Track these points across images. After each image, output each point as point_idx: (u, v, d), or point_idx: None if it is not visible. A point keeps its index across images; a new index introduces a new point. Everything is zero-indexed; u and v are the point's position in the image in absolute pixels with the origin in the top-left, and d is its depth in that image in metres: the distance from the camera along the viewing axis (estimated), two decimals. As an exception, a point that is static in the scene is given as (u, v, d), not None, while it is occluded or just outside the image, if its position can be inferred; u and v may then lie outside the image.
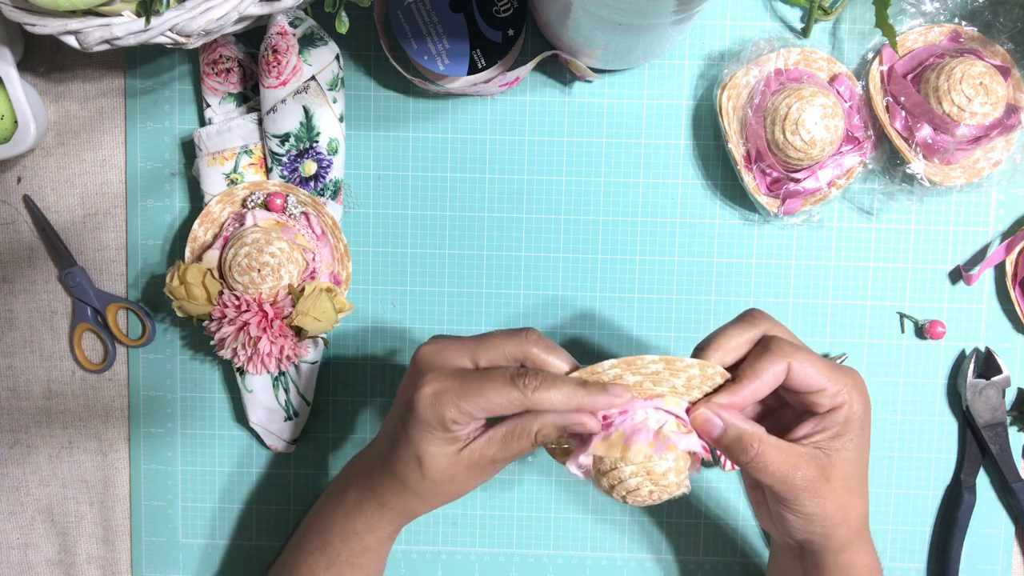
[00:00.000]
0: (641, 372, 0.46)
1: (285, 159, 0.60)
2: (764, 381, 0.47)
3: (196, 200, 0.63)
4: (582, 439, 0.48)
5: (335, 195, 0.61)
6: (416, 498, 0.50)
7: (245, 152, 0.61)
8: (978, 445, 0.63)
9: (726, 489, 0.64)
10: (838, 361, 0.62)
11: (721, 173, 0.63)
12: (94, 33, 0.50)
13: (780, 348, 0.47)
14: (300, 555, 0.56)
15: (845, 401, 0.48)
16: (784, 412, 0.51)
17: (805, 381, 0.47)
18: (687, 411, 0.48)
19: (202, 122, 0.62)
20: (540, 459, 0.64)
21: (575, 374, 0.47)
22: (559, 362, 0.48)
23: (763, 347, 0.48)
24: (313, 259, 0.60)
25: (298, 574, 0.55)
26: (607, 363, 0.46)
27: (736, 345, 0.48)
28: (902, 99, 0.59)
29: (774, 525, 0.52)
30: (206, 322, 0.59)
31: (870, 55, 0.61)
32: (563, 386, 0.46)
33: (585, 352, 0.64)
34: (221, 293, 0.58)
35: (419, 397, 0.47)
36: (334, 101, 0.60)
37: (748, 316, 0.49)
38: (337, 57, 0.59)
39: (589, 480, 0.49)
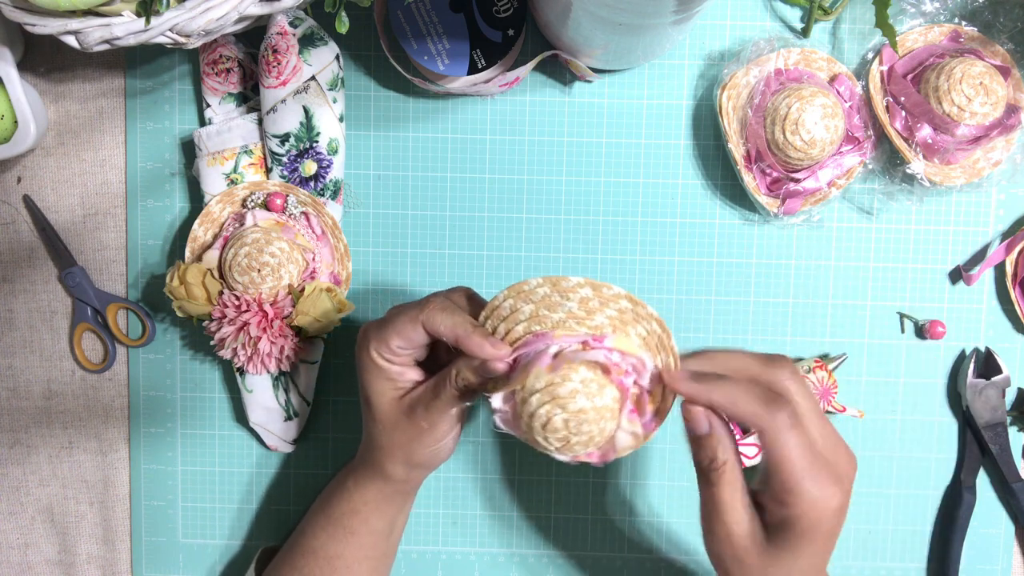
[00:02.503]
0: (531, 300, 0.46)
1: (285, 159, 0.60)
2: (736, 413, 0.43)
3: (196, 200, 0.63)
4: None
5: (335, 195, 0.61)
6: (378, 450, 0.53)
7: (245, 152, 0.61)
8: (978, 445, 0.63)
9: (726, 489, 0.64)
10: (838, 362, 0.62)
11: (721, 173, 0.63)
12: (94, 33, 0.50)
13: (777, 408, 0.42)
14: (308, 514, 0.59)
15: (790, 504, 0.42)
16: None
17: (771, 449, 0.42)
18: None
19: (202, 122, 0.62)
20: (540, 459, 0.65)
21: (479, 318, 0.48)
22: (461, 299, 0.51)
23: (766, 395, 0.43)
24: (313, 259, 0.60)
25: (302, 532, 0.58)
26: (500, 294, 0.47)
27: (735, 368, 0.45)
28: (902, 99, 0.59)
29: None
30: (206, 322, 0.59)
31: (870, 55, 0.61)
32: (456, 316, 0.48)
33: (585, 352, 0.64)
34: (221, 293, 0.58)
35: (358, 342, 0.52)
36: (334, 101, 0.60)
37: (773, 358, 0.45)
38: (337, 57, 0.59)
39: (513, 433, 0.48)
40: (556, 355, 0.45)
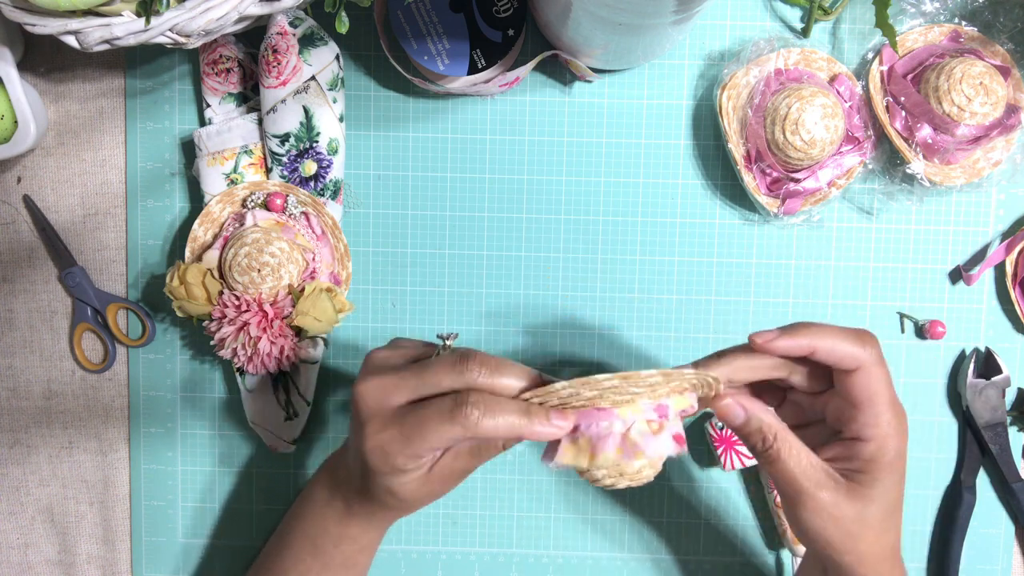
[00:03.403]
0: (597, 388, 0.43)
1: (285, 159, 0.60)
2: (834, 352, 0.45)
3: (196, 200, 0.63)
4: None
5: (335, 195, 0.61)
6: (401, 511, 0.50)
7: (245, 152, 0.61)
8: (978, 445, 0.63)
9: (726, 489, 0.64)
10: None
11: (721, 173, 0.63)
12: (94, 33, 0.50)
13: (871, 346, 0.45)
14: (289, 562, 0.55)
15: (874, 438, 0.45)
16: (817, 428, 0.49)
17: (858, 389, 0.45)
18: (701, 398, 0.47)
19: (202, 122, 0.62)
20: (539, 459, 0.64)
21: (527, 395, 0.45)
22: (510, 381, 0.45)
23: (860, 335, 0.46)
24: (313, 259, 0.60)
25: (272, 567, 0.55)
26: (560, 384, 0.43)
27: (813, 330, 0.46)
28: (902, 99, 0.59)
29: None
30: (206, 322, 0.59)
31: (870, 55, 0.61)
32: (506, 415, 0.44)
33: (585, 353, 0.64)
34: (221, 293, 0.58)
35: (367, 452, 0.46)
36: (334, 101, 0.60)
37: (860, 333, 0.46)
38: (337, 57, 0.59)
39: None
40: (624, 436, 0.44)
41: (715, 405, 0.47)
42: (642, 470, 0.45)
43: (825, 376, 0.47)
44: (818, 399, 0.48)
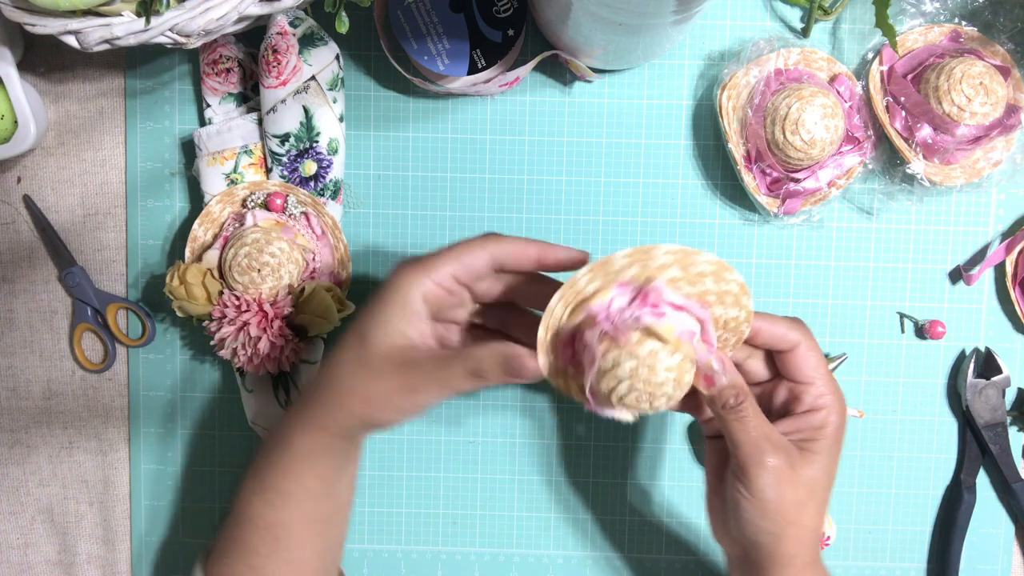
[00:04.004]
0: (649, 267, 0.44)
1: (285, 159, 0.60)
2: (774, 333, 0.49)
3: (196, 200, 0.63)
4: (582, 367, 0.46)
5: (335, 195, 0.61)
6: (338, 394, 0.48)
7: (245, 152, 0.61)
8: (978, 445, 0.63)
9: (726, 489, 0.65)
10: (838, 362, 0.62)
11: (721, 173, 0.63)
12: (94, 33, 0.50)
13: (803, 328, 0.50)
14: (241, 481, 0.54)
15: (825, 406, 0.49)
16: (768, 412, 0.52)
17: (803, 366, 0.49)
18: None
19: (202, 122, 0.62)
20: (540, 459, 0.65)
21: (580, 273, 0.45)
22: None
23: (791, 320, 0.50)
24: (313, 259, 0.60)
25: (236, 501, 0.53)
26: (619, 254, 0.44)
27: (769, 327, 0.49)
28: (902, 99, 0.59)
29: (727, 530, 0.51)
30: (206, 322, 0.59)
31: (870, 55, 0.61)
32: (519, 240, 0.48)
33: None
34: (221, 293, 0.58)
35: (393, 273, 0.48)
36: (334, 101, 0.60)
37: (793, 319, 0.51)
38: (337, 57, 0.59)
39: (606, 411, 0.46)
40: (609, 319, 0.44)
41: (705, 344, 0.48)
42: (665, 383, 0.44)
43: (771, 365, 0.51)
44: (766, 388, 0.52)
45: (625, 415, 0.46)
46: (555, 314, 0.45)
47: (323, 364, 0.50)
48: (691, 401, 0.51)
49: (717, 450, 0.52)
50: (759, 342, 0.49)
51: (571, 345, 0.46)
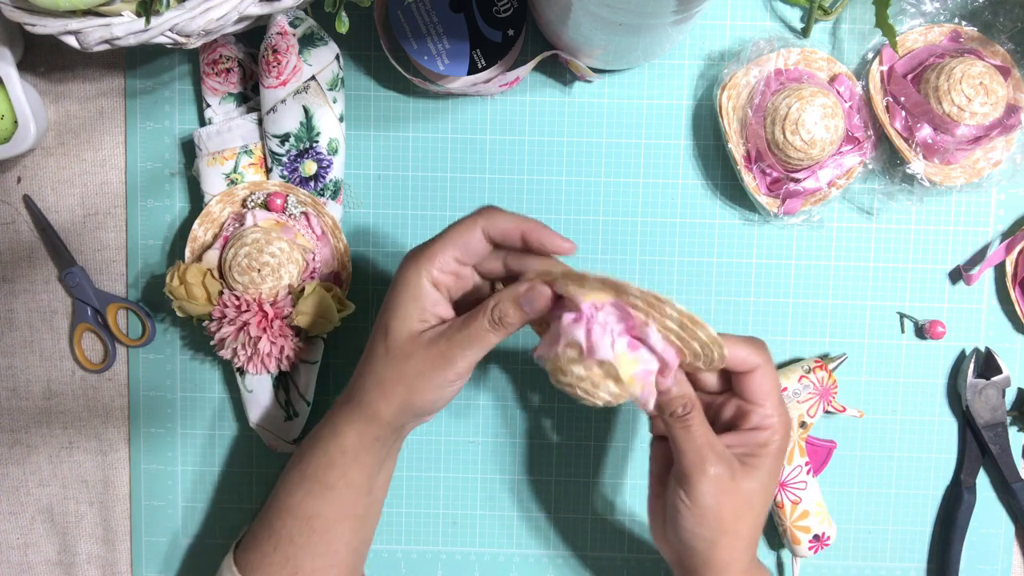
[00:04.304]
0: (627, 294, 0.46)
1: (285, 159, 0.60)
2: (735, 356, 0.49)
3: (196, 200, 0.63)
4: (548, 327, 0.49)
5: (335, 195, 0.61)
6: (375, 386, 0.50)
7: (245, 152, 0.61)
8: (978, 445, 0.63)
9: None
10: (838, 362, 0.62)
11: (721, 173, 0.63)
12: (94, 33, 0.50)
13: (764, 351, 0.50)
14: (284, 471, 0.55)
15: (771, 427, 0.50)
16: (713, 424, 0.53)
17: (757, 389, 0.50)
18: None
19: (202, 122, 0.62)
20: (540, 459, 0.65)
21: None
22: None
23: (753, 342, 0.51)
24: (313, 259, 0.60)
25: (277, 490, 0.54)
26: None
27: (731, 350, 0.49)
28: (902, 99, 0.59)
29: (665, 534, 0.52)
30: (206, 322, 0.59)
31: (870, 55, 0.61)
32: (514, 215, 0.49)
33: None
34: (221, 293, 0.58)
35: (402, 263, 0.50)
36: (334, 101, 0.60)
37: (755, 341, 0.51)
38: (337, 57, 0.59)
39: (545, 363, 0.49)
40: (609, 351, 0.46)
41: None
42: (599, 400, 0.46)
43: (725, 379, 0.52)
44: (715, 400, 0.53)
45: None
46: (554, 271, 0.48)
47: (358, 364, 0.53)
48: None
49: (661, 454, 0.53)
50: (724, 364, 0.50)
51: (554, 301, 0.48)
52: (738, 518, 0.49)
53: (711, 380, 0.53)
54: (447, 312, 0.51)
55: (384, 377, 0.50)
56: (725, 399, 0.52)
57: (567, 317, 0.46)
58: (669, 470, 0.52)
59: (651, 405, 0.47)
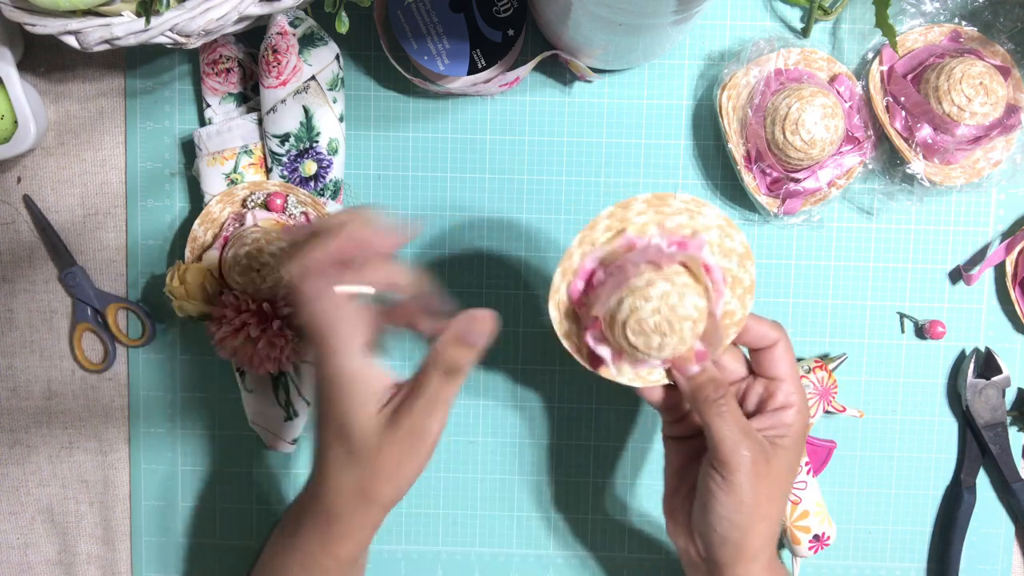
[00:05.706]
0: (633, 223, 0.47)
1: (285, 159, 0.60)
2: (759, 331, 0.50)
3: (196, 200, 0.63)
4: (583, 321, 0.48)
5: (335, 195, 0.61)
6: (358, 497, 0.45)
7: (245, 152, 0.61)
8: (978, 445, 0.63)
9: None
10: (838, 362, 0.62)
11: (721, 173, 0.63)
12: (94, 33, 0.50)
13: (781, 329, 0.51)
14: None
15: (794, 404, 0.50)
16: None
17: (779, 363, 0.51)
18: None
19: (202, 122, 0.62)
20: (540, 459, 0.65)
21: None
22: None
23: (772, 321, 0.51)
24: (313, 259, 0.60)
25: None
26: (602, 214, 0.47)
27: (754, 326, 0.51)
28: (902, 99, 0.59)
29: (689, 529, 0.51)
30: (206, 322, 0.59)
31: (870, 55, 0.61)
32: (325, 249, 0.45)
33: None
34: (221, 293, 0.58)
35: (317, 349, 0.45)
36: (334, 101, 0.60)
37: (773, 321, 0.52)
38: (337, 57, 0.59)
39: (607, 357, 0.48)
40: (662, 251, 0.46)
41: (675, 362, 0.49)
42: (686, 319, 0.45)
43: (745, 365, 0.53)
44: (740, 387, 0.52)
45: (611, 366, 0.49)
46: (573, 260, 0.48)
47: (316, 485, 0.47)
48: (668, 400, 0.52)
49: (678, 451, 0.53)
50: (744, 339, 0.51)
51: (589, 279, 0.48)
52: (771, 501, 0.49)
53: (735, 366, 0.52)
54: (388, 376, 0.46)
55: (362, 485, 0.45)
56: (748, 385, 0.52)
57: (629, 256, 0.46)
58: (688, 465, 0.52)
59: (719, 309, 0.48)
